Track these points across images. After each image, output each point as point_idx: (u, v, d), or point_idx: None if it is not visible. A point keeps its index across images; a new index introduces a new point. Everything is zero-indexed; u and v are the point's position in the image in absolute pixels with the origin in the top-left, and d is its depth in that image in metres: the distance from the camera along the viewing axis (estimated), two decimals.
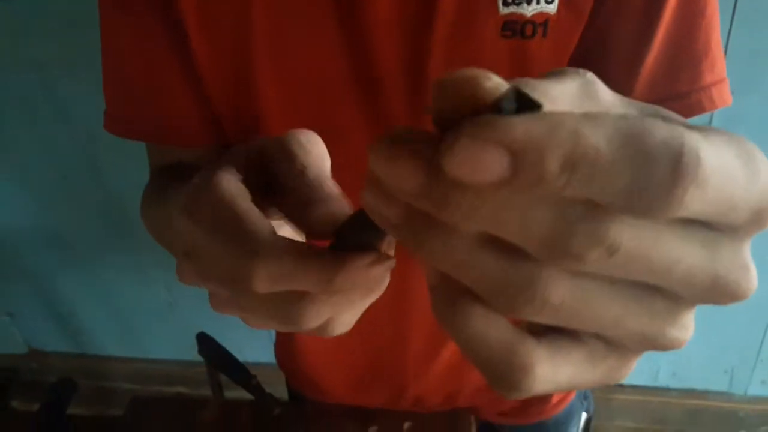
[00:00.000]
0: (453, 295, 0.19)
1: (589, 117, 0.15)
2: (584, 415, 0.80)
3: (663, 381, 1.51)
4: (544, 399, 0.75)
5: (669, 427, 1.54)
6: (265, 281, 0.25)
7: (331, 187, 0.28)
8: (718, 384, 1.49)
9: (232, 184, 0.27)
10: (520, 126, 0.15)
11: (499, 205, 0.16)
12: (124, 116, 0.55)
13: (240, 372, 0.83)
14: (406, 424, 0.77)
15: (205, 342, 0.88)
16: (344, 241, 0.26)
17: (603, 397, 1.55)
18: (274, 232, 0.26)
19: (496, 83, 0.17)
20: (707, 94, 0.50)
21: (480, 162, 0.15)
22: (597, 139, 0.15)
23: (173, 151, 0.56)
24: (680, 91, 0.49)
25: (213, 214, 0.26)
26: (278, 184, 0.28)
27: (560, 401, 0.76)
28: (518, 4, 0.45)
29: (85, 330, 1.82)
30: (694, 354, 1.44)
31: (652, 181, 0.15)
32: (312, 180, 0.28)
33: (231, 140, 0.56)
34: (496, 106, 0.16)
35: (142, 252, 1.59)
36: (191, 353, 1.81)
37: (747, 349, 1.42)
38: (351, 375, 0.74)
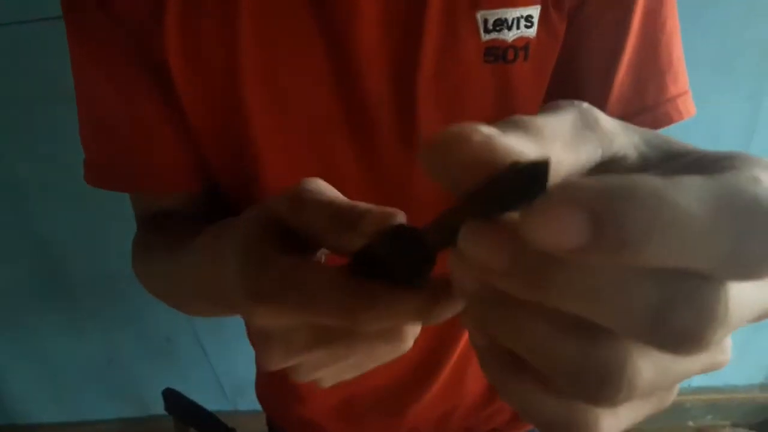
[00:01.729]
0: (507, 361, 0.19)
1: (671, 179, 0.15)
2: None
3: None
4: None
5: None
6: (375, 325, 0.26)
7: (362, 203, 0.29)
8: None
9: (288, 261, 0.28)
10: (598, 185, 0.15)
11: (593, 279, 0.16)
12: (104, 167, 0.53)
13: (215, 424, 0.79)
14: None
15: (172, 397, 0.83)
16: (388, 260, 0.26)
17: None
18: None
19: (484, 135, 0.17)
20: (674, 105, 0.52)
21: (560, 224, 0.15)
22: (685, 200, 0.14)
23: (161, 198, 0.54)
24: (648, 103, 0.51)
25: (289, 295, 0.27)
26: (311, 227, 0.29)
27: None
28: (499, 31, 0.46)
29: (13, 396, 1.68)
30: None
31: (759, 240, 0.15)
32: (347, 201, 0.29)
33: (220, 176, 0.54)
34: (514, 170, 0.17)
35: (77, 306, 1.49)
36: (135, 410, 1.71)
37: None
38: (342, 406, 0.71)
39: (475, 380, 0.69)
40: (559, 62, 0.50)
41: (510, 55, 0.48)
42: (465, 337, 0.64)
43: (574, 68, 0.51)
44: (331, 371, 0.30)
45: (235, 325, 1.53)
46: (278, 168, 0.51)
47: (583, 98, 0.52)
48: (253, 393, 1.75)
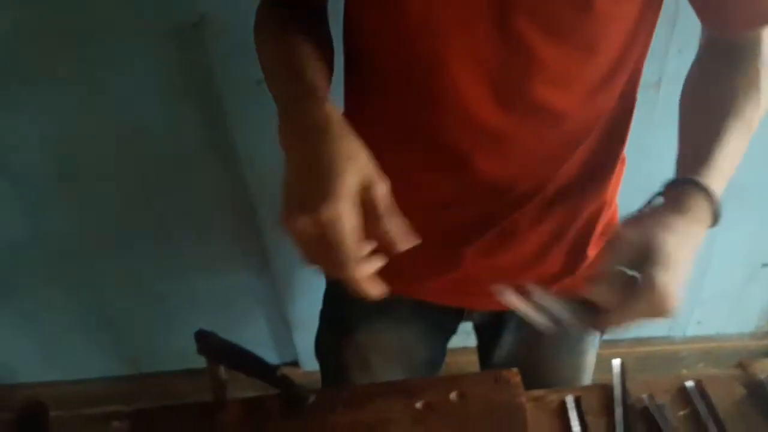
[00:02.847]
0: None
1: None
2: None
3: (613, 334, 1.59)
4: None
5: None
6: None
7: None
8: (660, 330, 1.59)
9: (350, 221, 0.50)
10: None
11: None
12: None
13: (260, 365, 0.76)
14: (453, 394, 0.74)
15: (206, 339, 0.79)
16: None
17: None
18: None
19: None
20: None
21: None
22: None
23: None
24: None
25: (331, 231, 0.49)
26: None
27: None
28: None
29: None
30: None
31: None
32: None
33: None
34: None
35: (68, 264, 1.42)
36: (126, 368, 1.65)
37: (686, 294, 1.52)
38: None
39: (524, 240, 0.76)
40: None
41: None
42: (514, 193, 0.70)
43: None
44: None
45: (232, 282, 1.49)
46: None
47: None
48: (252, 349, 1.71)
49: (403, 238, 0.52)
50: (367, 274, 0.52)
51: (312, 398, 0.74)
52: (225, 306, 1.52)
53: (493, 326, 0.90)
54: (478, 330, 0.97)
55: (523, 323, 0.86)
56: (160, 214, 1.34)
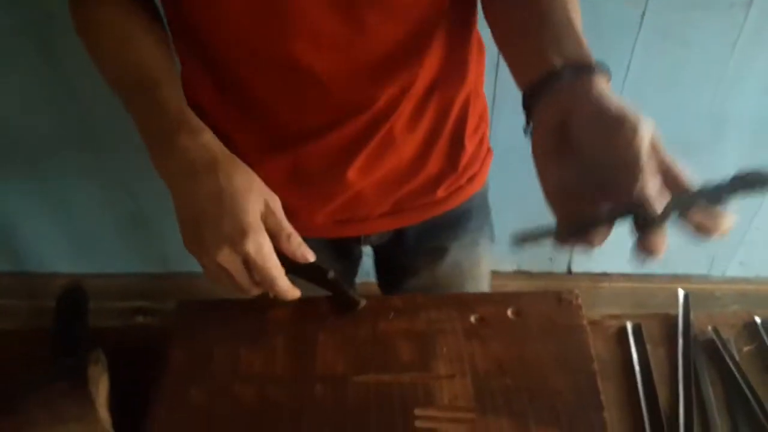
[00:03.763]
0: None
1: None
2: None
3: (649, 268, 1.55)
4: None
5: (649, 311, 1.60)
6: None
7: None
8: (700, 267, 1.56)
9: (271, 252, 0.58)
10: None
11: None
12: None
13: (311, 267, 0.73)
14: (509, 310, 0.71)
15: None
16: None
17: (590, 286, 1.59)
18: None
19: None
20: None
21: None
22: None
23: None
24: None
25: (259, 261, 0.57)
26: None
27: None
28: None
29: (27, 244, 1.60)
30: (682, 242, 1.49)
31: None
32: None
33: None
34: None
35: (101, 155, 1.38)
36: (155, 266, 1.65)
37: (732, 233, 1.48)
38: (293, 170, 0.75)
39: (404, 144, 0.75)
40: None
41: None
42: (382, 100, 0.68)
43: None
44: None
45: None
46: None
47: None
48: None
49: (305, 251, 0.61)
50: (287, 284, 0.60)
51: (363, 303, 0.71)
52: None
53: (391, 245, 0.90)
54: (378, 251, 0.98)
55: (421, 237, 0.88)
56: None
